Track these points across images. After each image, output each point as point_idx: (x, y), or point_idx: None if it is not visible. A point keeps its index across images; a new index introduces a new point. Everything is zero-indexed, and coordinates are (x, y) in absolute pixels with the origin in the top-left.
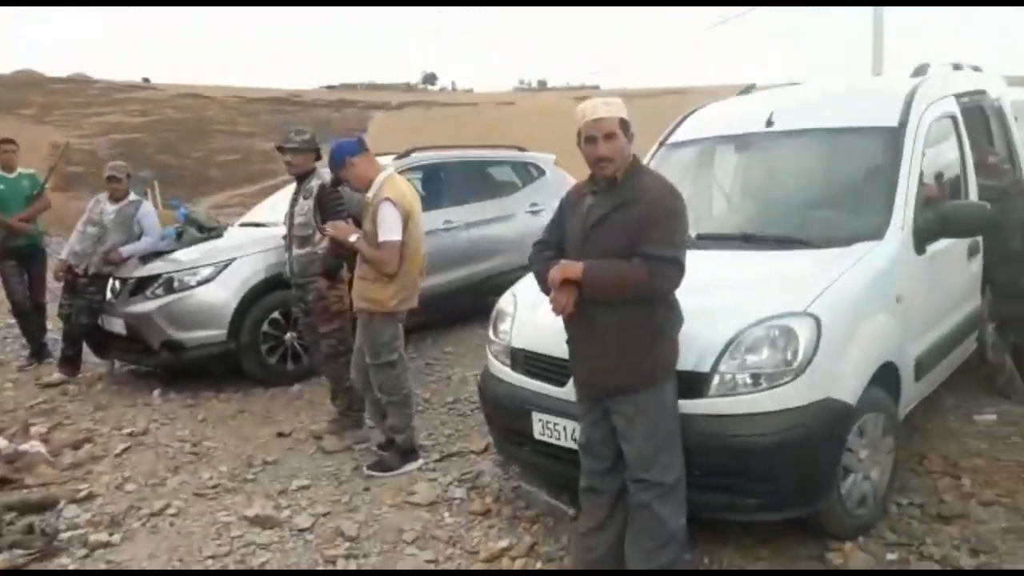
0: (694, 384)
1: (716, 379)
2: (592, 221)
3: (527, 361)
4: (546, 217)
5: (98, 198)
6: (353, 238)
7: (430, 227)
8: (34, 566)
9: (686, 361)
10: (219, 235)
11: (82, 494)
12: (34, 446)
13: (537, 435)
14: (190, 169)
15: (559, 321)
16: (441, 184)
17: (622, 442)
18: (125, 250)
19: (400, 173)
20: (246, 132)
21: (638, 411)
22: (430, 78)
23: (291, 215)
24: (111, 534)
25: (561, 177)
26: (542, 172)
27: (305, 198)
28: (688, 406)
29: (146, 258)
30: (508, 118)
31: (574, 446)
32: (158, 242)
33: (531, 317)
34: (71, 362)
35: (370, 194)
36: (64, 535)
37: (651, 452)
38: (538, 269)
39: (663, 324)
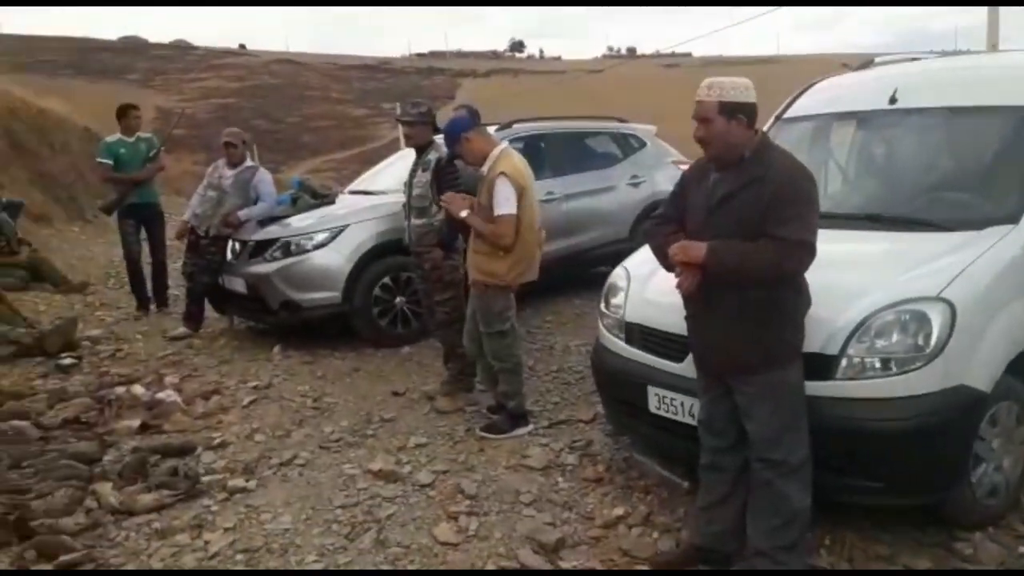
0: (821, 366)
1: (844, 362)
2: (718, 198)
3: (642, 336)
4: (647, 190)
5: (216, 163)
6: (464, 213)
7: None
8: (179, 506)
9: (813, 342)
10: (331, 202)
11: (216, 442)
12: (170, 395)
13: (653, 409)
14: (285, 134)
15: (676, 296)
16: (542, 155)
17: (745, 421)
18: (242, 214)
19: None
20: (339, 99)
21: (762, 391)
22: (517, 46)
23: (410, 185)
24: (247, 480)
25: (662, 149)
26: (643, 144)
27: (423, 170)
28: (814, 387)
29: (264, 222)
30: (596, 86)
31: (692, 422)
32: (274, 207)
33: (645, 291)
34: (194, 317)
35: (485, 168)
36: (205, 479)
37: (776, 432)
38: (657, 243)
39: (789, 306)
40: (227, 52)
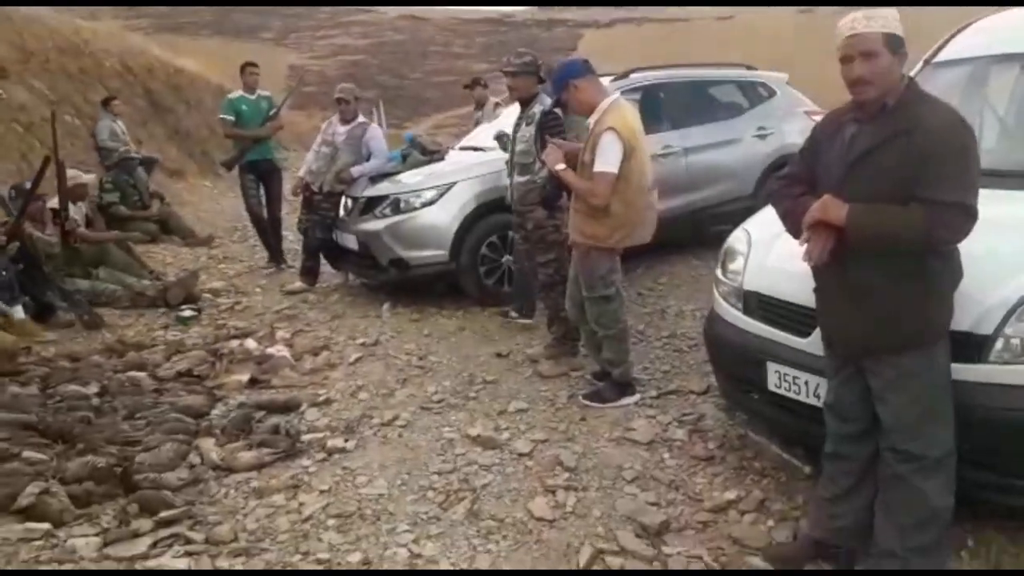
0: (970, 347)
1: (999, 343)
2: (856, 154)
3: (762, 306)
4: (775, 142)
5: (331, 119)
6: (559, 167)
7: (648, 153)
8: (279, 465)
9: (962, 320)
10: (441, 158)
11: (321, 399)
12: (280, 350)
13: (772, 387)
14: (409, 90)
15: (802, 263)
16: (660, 106)
17: (879, 406)
18: (355, 170)
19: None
20: (460, 54)
21: (900, 374)
22: None
23: (512, 141)
24: (346, 440)
25: (794, 98)
26: (772, 93)
27: (527, 124)
28: (961, 371)
29: (375, 179)
30: (725, 35)
31: (816, 403)
32: (385, 163)
33: (767, 258)
34: (310, 272)
35: (592, 120)
36: (305, 437)
37: (914, 421)
38: (784, 208)
39: (936, 279)
40: (354, 9)
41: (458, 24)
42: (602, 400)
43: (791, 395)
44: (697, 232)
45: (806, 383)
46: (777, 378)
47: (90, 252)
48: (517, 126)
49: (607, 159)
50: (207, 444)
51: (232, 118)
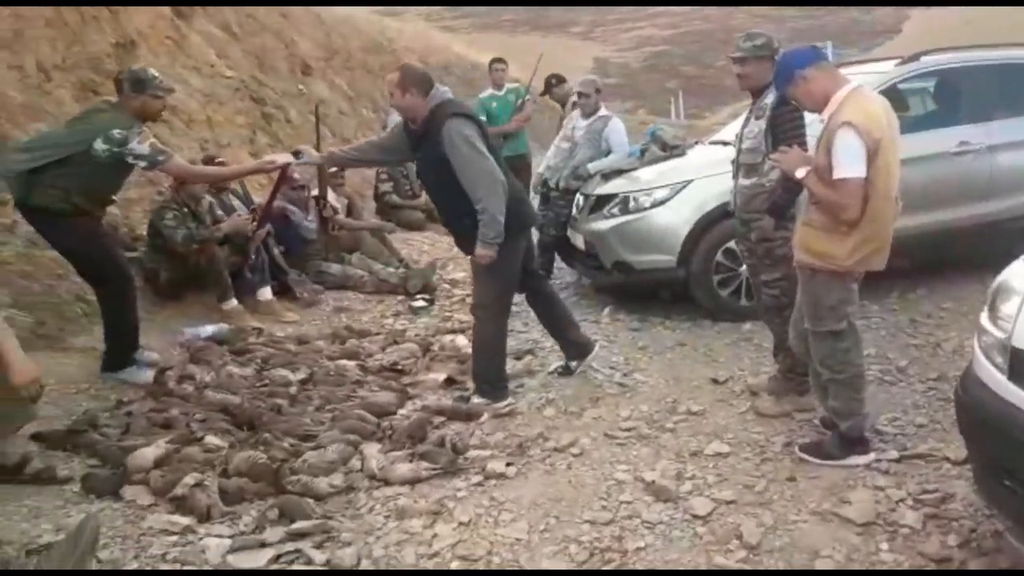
0: None
1: None
2: None
3: None
4: None
5: (572, 114)
6: (801, 172)
7: (937, 150)
8: (433, 482)
9: None
10: (681, 154)
11: (505, 410)
12: None
13: None
14: (711, 79)
15: None
16: (959, 95)
17: None
18: (592, 166)
19: (904, 82)
20: None
21: None
22: None
23: (740, 137)
24: (508, 464)
25: None
26: None
27: (756, 118)
28: None
29: (608, 175)
30: None
31: None
32: (623, 159)
33: None
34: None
35: (825, 115)
36: (472, 453)
37: None
38: None
39: None
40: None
41: (770, 9)
42: (823, 456)
43: None
44: (999, 248)
45: None
46: None
47: (347, 239)
48: (746, 121)
49: (849, 161)
50: (371, 450)
51: (483, 117)
